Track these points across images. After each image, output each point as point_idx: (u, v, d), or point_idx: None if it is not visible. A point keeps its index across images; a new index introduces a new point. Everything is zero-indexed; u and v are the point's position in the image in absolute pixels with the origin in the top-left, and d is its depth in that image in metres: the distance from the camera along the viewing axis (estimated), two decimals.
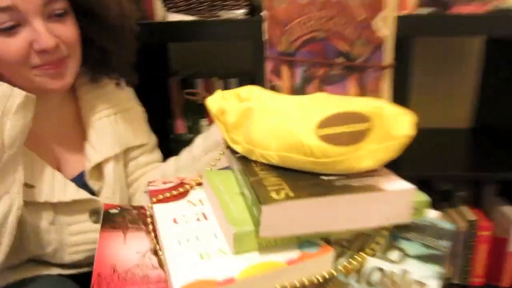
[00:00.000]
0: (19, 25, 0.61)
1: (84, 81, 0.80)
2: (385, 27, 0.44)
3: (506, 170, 1.06)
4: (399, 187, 0.43)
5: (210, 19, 1.09)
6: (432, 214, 0.52)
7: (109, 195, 0.77)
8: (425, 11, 1.04)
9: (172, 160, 0.85)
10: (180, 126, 1.34)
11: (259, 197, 0.41)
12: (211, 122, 1.26)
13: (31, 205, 0.68)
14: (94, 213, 0.75)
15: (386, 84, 0.46)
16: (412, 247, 0.48)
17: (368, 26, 0.45)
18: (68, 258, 0.75)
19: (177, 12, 1.12)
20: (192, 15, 1.11)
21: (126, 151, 0.84)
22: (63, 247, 0.74)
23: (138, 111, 0.88)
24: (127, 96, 0.86)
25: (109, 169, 0.78)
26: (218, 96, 0.56)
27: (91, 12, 0.69)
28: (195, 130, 1.32)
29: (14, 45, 0.61)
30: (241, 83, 1.24)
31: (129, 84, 0.85)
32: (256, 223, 0.42)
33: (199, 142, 0.80)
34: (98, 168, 0.78)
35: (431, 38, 1.35)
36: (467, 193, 1.26)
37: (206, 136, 0.79)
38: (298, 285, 0.41)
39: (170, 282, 0.41)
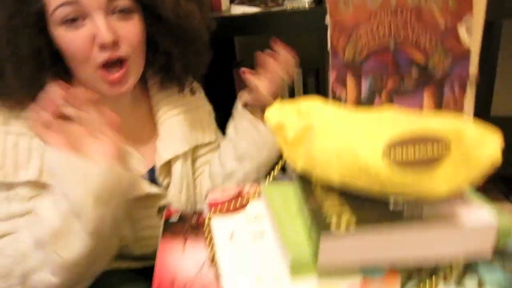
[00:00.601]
0: (82, 18, 0.63)
1: (155, 81, 0.83)
2: (470, 35, 0.38)
3: None
4: (478, 222, 0.38)
5: (274, 9, 1.06)
6: None
7: (176, 191, 0.79)
8: None
9: (216, 155, 0.88)
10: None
11: (319, 224, 0.38)
12: None
13: None
14: (162, 209, 0.78)
15: (468, 100, 0.40)
16: (492, 274, 0.42)
17: (450, 33, 0.40)
18: (139, 251, 0.79)
19: (241, 3, 1.12)
20: (256, 6, 1.10)
21: (195, 149, 0.86)
22: (136, 241, 0.78)
23: (206, 110, 0.91)
24: (197, 95, 0.89)
25: (177, 166, 0.81)
26: (276, 109, 0.54)
27: (156, 13, 0.70)
28: None
29: (77, 37, 0.64)
30: (305, 74, 1.22)
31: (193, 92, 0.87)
32: (315, 249, 0.39)
33: (231, 130, 0.85)
34: (167, 165, 0.81)
35: None
36: None
37: (235, 124, 0.84)
38: None
39: None
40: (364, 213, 0.40)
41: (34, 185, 0.67)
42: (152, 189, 0.76)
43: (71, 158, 0.57)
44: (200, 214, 0.65)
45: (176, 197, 0.78)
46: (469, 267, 0.43)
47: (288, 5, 1.05)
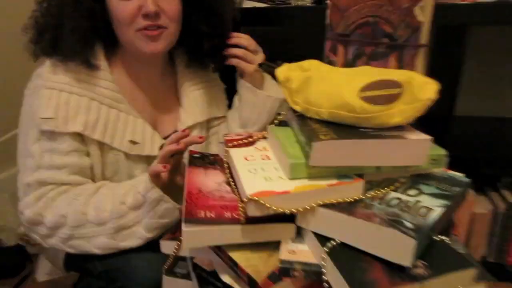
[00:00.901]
0: None
1: (182, 59, 0.97)
2: (423, 14, 0.56)
3: None
4: (418, 138, 0.56)
5: (281, 5, 1.20)
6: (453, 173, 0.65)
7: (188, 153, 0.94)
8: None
9: (223, 125, 1.04)
10: None
11: (311, 137, 0.56)
12: None
13: (131, 158, 0.86)
14: None
15: (420, 60, 0.58)
16: (428, 189, 0.60)
17: (409, 12, 0.58)
18: None
19: None
20: (265, 2, 1.23)
21: (209, 120, 1.00)
22: None
23: (221, 88, 1.05)
24: (214, 74, 1.03)
25: (195, 133, 0.95)
26: (285, 68, 0.72)
27: None
28: None
29: (128, 7, 0.78)
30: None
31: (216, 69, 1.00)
32: (307, 157, 0.57)
33: (236, 101, 0.99)
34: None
35: (492, 28, 1.37)
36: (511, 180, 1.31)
37: (238, 95, 0.98)
38: (334, 202, 0.56)
39: (243, 192, 0.58)
40: (342, 133, 0.58)
41: (76, 138, 0.81)
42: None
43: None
44: (216, 155, 0.82)
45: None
46: (412, 183, 0.61)
47: (293, 2, 1.21)
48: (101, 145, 0.84)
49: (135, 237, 0.79)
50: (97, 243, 0.79)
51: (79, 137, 0.81)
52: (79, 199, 0.79)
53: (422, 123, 1.31)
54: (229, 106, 1.08)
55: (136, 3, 0.78)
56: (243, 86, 0.96)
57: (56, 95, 0.79)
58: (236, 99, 1.01)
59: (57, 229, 0.79)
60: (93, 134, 0.81)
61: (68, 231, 0.79)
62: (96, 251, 0.79)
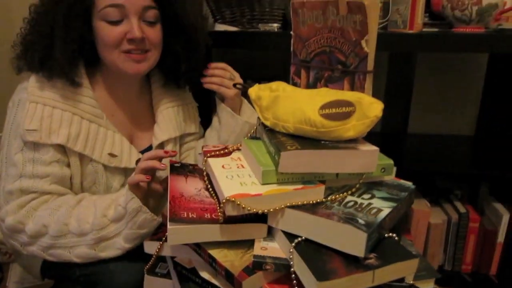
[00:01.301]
0: (122, 20, 0.85)
1: (158, 78, 1.04)
2: (368, 46, 0.68)
3: (499, 169, 1.22)
4: (368, 149, 0.67)
5: (250, 30, 1.29)
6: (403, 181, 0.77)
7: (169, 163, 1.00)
8: (430, 30, 1.23)
9: (201, 140, 1.12)
10: None
11: (279, 148, 0.66)
12: None
13: (109, 169, 0.92)
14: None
15: (368, 84, 0.70)
16: (380, 193, 0.72)
17: (358, 44, 0.70)
18: None
19: (223, 23, 1.33)
20: (235, 26, 1.32)
21: (182, 136, 1.08)
22: None
23: (194, 106, 1.13)
24: (187, 94, 1.11)
25: (169, 148, 1.02)
26: (256, 88, 0.82)
27: (173, 24, 0.92)
28: None
29: (115, 32, 0.85)
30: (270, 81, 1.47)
31: (192, 89, 1.09)
32: (276, 165, 0.67)
33: (216, 124, 1.07)
34: (161, 146, 1.01)
35: (437, 54, 1.54)
36: (464, 192, 1.44)
37: (218, 118, 1.05)
38: (299, 204, 0.66)
39: (221, 195, 0.67)
40: (305, 144, 0.68)
41: (58, 150, 0.85)
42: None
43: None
44: (195, 165, 0.90)
45: (165, 173, 0.91)
46: (367, 188, 0.73)
47: (261, 28, 1.32)
48: (81, 156, 0.89)
49: (114, 248, 0.83)
50: (77, 252, 0.83)
51: (61, 148, 0.87)
52: (60, 210, 0.84)
53: (382, 139, 1.43)
54: (201, 122, 1.16)
55: (123, 28, 0.85)
56: (224, 110, 1.04)
57: (40, 108, 0.84)
58: (215, 120, 1.09)
59: (38, 237, 0.83)
60: (75, 146, 0.87)
61: (49, 241, 0.83)
62: (76, 260, 0.84)
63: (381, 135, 1.52)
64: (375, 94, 0.70)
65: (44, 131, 0.84)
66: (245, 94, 0.92)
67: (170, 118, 1.03)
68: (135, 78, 0.97)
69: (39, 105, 0.85)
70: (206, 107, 1.49)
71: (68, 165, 0.89)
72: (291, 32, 0.80)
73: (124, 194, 0.82)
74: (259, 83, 0.89)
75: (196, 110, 1.14)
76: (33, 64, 0.85)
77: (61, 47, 0.83)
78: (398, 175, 0.81)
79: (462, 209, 1.35)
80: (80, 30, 0.85)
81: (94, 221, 0.82)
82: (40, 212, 0.84)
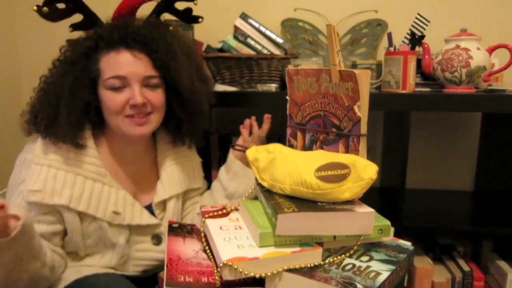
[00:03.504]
0: (124, 87, 0.89)
1: (163, 136, 1.07)
2: (360, 111, 0.71)
3: (501, 226, 1.21)
4: (364, 211, 0.68)
5: (249, 90, 1.35)
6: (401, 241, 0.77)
7: (167, 223, 0.98)
8: (423, 90, 1.28)
9: (207, 193, 1.12)
10: (215, 176, 1.55)
11: (276, 210, 0.67)
12: None
13: (114, 226, 0.93)
14: (155, 236, 0.99)
15: (362, 146, 0.72)
16: (378, 255, 0.72)
17: (351, 109, 0.73)
18: (131, 269, 0.98)
19: (223, 83, 1.40)
20: (234, 86, 1.38)
21: (186, 192, 1.08)
22: (130, 260, 0.97)
23: (198, 162, 1.15)
24: (192, 149, 1.13)
25: (171, 204, 1.02)
26: (254, 149, 0.84)
27: (174, 89, 0.96)
28: None
29: (118, 99, 0.89)
30: (268, 142, 1.47)
31: (196, 145, 1.12)
32: (273, 227, 0.67)
33: (223, 175, 1.08)
34: (164, 202, 1.02)
35: (431, 113, 1.59)
36: (466, 249, 1.43)
37: (227, 170, 1.07)
38: (297, 267, 0.65)
39: (218, 259, 0.66)
40: (302, 206, 0.69)
41: (53, 214, 0.87)
42: (152, 220, 0.97)
43: None
44: (193, 225, 0.91)
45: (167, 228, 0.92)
46: (365, 250, 0.73)
47: (259, 88, 1.37)
48: (84, 215, 0.90)
49: None
50: None
51: (53, 207, 0.88)
52: None
53: (380, 194, 1.42)
54: (205, 177, 1.17)
55: (125, 95, 0.89)
56: (235, 163, 1.07)
57: (45, 170, 0.87)
58: (222, 171, 1.11)
59: None
60: (78, 206, 0.88)
61: None
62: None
63: (379, 190, 1.52)
64: (372, 150, 0.72)
65: (47, 192, 0.86)
66: (244, 156, 0.95)
67: (174, 174, 1.04)
68: (139, 139, 0.99)
69: (44, 167, 0.87)
70: (207, 163, 1.52)
71: (57, 222, 0.90)
72: (287, 97, 0.84)
73: None
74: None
75: (200, 165, 1.15)
76: (40, 130, 0.90)
77: (66, 115, 0.87)
78: (398, 231, 0.80)
79: (466, 267, 1.33)
80: (85, 98, 0.89)
81: None
82: None
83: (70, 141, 0.89)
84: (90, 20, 0.94)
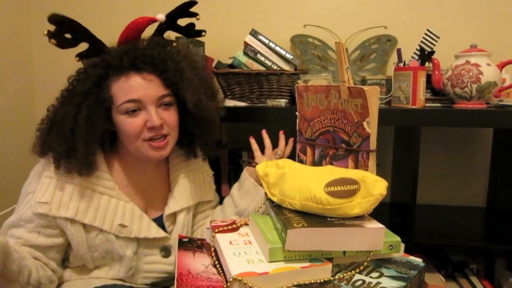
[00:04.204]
0: (139, 109, 0.89)
1: (175, 150, 1.06)
2: (369, 127, 0.72)
3: None
4: (374, 226, 0.68)
5: (259, 105, 1.36)
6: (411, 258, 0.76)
7: (177, 236, 0.99)
8: (433, 105, 1.27)
9: (219, 208, 1.12)
10: (225, 190, 1.54)
11: (286, 225, 0.67)
12: None
13: (121, 238, 0.94)
14: (164, 249, 1.00)
15: (371, 162, 0.73)
16: (388, 271, 0.71)
17: (360, 125, 0.73)
18: (140, 281, 0.99)
19: (233, 99, 1.42)
20: (244, 101, 1.40)
21: (197, 205, 1.09)
22: (138, 272, 0.98)
23: (210, 175, 1.15)
24: (204, 162, 1.14)
25: (181, 217, 1.03)
26: (263, 164, 0.85)
27: (186, 106, 0.96)
28: None
29: (135, 122, 0.89)
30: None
31: (210, 157, 1.12)
32: (283, 242, 0.67)
33: (235, 192, 1.08)
34: (173, 214, 1.03)
35: (441, 128, 1.58)
36: (479, 266, 1.40)
37: (240, 186, 1.07)
38: (307, 282, 0.65)
39: (228, 273, 0.67)
40: (312, 221, 0.69)
41: (47, 221, 0.89)
42: (160, 233, 0.97)
43: None
44: (203, 239, 0.91)
45: (176, 241, 0.93)
46: (375, 266, 0.72)
47: (269, 103, 1.38)
48: (90, 227, 0.91)
49: None
50: None
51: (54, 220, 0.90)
52: None
53: (391, 209, 1.40)
54: (217, 190, 1.17)
55: (142, 118, 0.90)
56: (247, 180, 1.06)
57: (54, 183, 0.89)
58: (235, 188, 1.10)
59: None
60: (84, 219, 0.89)
61: None
62: None
63: (389, 205, 1.51)
64: (382, 165, 0.72)
65: (54, 205, 0.87)
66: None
67: (186, 187, 1.05)
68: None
69: (53, 180, 0.89)
70: (217, 177, 1.52)
71: (56, 236, 0.91)
72: (297, 113, 0.85)
73: None
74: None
75: (211, 178, 1.16)
76: (55, 163, 0.89)
77: (83, 148, 0.87)
78: (408, 247, 0.80)
79: (479, 285, 1.30)
80: (102, 128, 0.90)
81: None
82: None
83: (86, 173, 0.90)
84: (96, 47, 0.94)
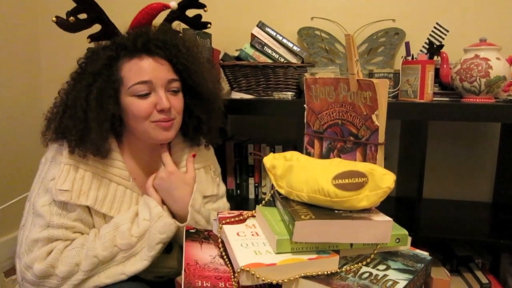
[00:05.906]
0: (150, 93, 0.91)
1: (178, 141, 1.07)
2: (378, 120, 0.72)
3: None
4: (382, 219, 0.68)
5: (265, 98, 1.37)
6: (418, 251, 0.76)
7: (182, 227, 0.99)
8: (441, 99, 1.27)
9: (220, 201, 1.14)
10: (230, 183, 1.59)
11: (294, 217, 0.67)
12: (258, 181, 1.53)
13: None
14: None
15: (379, 155, 0.72)
16: (395, 264, 0.71)
17: (368, 118, 0.73)
18: (143, 275, 0.97)
19: (239, 91, 1.43)
20: (251, 94, 1.41)
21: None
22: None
23: (215, 167, 1.16)
24: (209, 154, 1.14)
25: None
26: (271, 157, 0.85)
27: (194, 92, 0.99)
28: (242, 188, 1.58)
29: (145, 104, 0.91)
30: (284, 150, 1.48)
31: (213, 144, 1.13)
32: (291, 234, 0.68)
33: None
34: None
35: (448, 122, 1.57)
36: (484, 261, 1.40)
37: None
38: (314, 274, 0.66)
39: (236, 264, 0.67)
40: (319, 214, 0.69)
41: (84, 210, 0.90)
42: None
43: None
44: (209, 230, 0.91)
45: (178, 235, 0.96)
46: (382, 259, 0.72)
47: (276, 96, 1.38)
48: (107, 217, 0.93)
49: (141, 260, 0.89)
50: (107, 274, 0.88)
51: (87, 209, 0.91)
52: (85, 247, 0.88)
53: (397, 203, 1.40)
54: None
55: (152, 100, 0.92)
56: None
57: (74, 170, 0.90)
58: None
59: (71, 277, 0.86)
60: (101, 208, 0.91)
61: (81, 276, 0.86)
62: (106, 281, 0.87)
63: (396, 199, 1.51)
64: (389, 159, 0.72)
65: (75, 192, 0.88)
66: (260, 162, 0.95)
67: None
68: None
69: (72, 167, 0.90)
70: (223, 169, 1.53)
71: (93, 225, 0.93)
72: (305, 105, 0.85)
73: (144, 204, 0.92)
74: (271, 151, 0.92)
75: (217, 171, 1.16)
76: (70, 147, 0.90)
77: (97, 129, 0.89)
78: (414, 241, 0.80)
79: (484, 280, 1.30)
80: (112, 109, 0.91)
81: (121, 242, 0.88)
82: (66, 253, 0.87)
83: (101, 154, 0.91)
84: (109, 29, 0.95)
